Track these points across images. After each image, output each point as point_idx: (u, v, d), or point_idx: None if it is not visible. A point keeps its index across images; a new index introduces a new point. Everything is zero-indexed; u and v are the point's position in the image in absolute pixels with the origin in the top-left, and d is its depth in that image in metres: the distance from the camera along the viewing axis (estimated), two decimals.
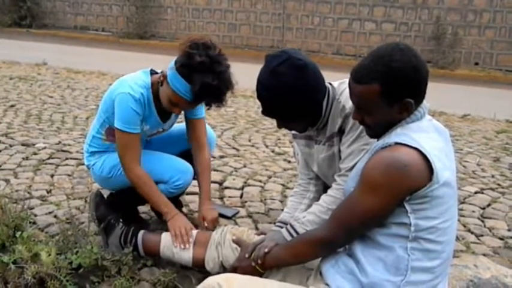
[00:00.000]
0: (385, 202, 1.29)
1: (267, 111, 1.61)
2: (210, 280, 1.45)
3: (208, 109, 1.98)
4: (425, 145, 1.28)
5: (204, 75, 1.82)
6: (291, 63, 1.55)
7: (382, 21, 10.56)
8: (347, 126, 1.67)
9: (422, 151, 1.27)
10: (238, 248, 1.70)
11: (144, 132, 2.10)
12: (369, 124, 1.43)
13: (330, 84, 1.74)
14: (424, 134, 1.34)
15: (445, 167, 1.30)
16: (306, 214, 1.68)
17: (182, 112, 2.16)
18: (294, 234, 1.65)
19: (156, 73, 2.06)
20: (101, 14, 13.19)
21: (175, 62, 1.88)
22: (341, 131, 1.70)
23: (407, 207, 1.29)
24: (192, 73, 1.83)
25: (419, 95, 1.37)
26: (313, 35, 11.14)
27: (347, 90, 1.50)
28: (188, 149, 2.20)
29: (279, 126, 1.68)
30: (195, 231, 1.92)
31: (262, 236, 1.71)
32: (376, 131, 1.44)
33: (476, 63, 10.04)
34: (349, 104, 1.63)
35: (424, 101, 1.41)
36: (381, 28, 10.56)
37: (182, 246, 1.86)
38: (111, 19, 13.07)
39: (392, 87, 1.33)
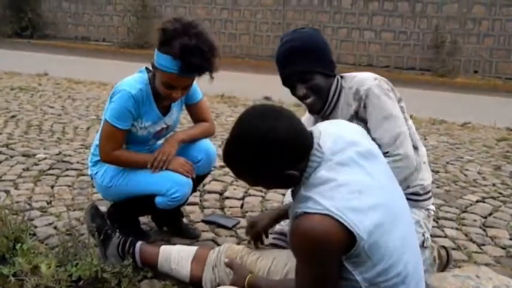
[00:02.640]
0: (324, 270, 1.24)
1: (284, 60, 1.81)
2: None
3: (200, 75, 1.96)
4: (331, 204, 1.20)
5: (180, 39, 1.86)
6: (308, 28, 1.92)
7: (381, 30, 10.60)
8: (366, 113, 1.74)
9: (331, 215, 1.19)
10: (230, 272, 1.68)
11: (148, 131, 2.11)
12: (276, 188, 1.45)
13: (341, 76, 1.86)
14: (328, 187, 1.24)
15: (365, 212, 1.22)
16: None
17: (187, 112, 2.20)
18: None
19: (151, 71, 2.08)
20: (102, 25, 13.26)
21: (156, 46, 1.93)
22: (358, 117, 1.77)
23: (348, 265, 1.25)
24: (170, 43, 1.87)
25: (296, 161, 1.28)
26: None
27: (359, 76, 1.80)
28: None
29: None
30: (194, 248, 1.91)
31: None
32: (282, 188, 1.45)
33: (476, 71, 10.06)
34: (363, 87, 1.75)
35: (318, 142, 1.31)
36: (380, 37, 10.60)
37: (155, 170, 2.01)
38: (112, 29, 13.14)
39: (259, 167, 1.29)
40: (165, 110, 2.14)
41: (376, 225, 1.23)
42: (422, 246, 1.86)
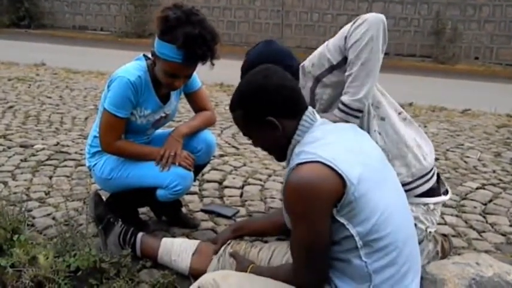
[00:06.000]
0: (317, 223, 1.27)
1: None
2: (206, 277, 1.47)
3: (203, 63, 1.94)
4: (323, 153, 1.28)
5: (183, 28, 1.83)
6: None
7: None
8: (325, 77, 1.80)
9: (322, 161, 1.26)
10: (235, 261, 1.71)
11: (147, 120, 2.08)
12: (264, 148, 1.54)
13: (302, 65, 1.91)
14: (320, 142, 1.36)
15: (353, 164, 1.29)
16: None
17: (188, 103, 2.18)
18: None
19: (150, 58, 2.05)
20: (100, 13, 13.18)
21: (157, 34, 1.89)
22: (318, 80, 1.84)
23: (342, 219, 1.28)
24: (173, 32, 1.83)
25: (281, 111, 1.42)
26: (312, 32, 11.11)
27: (312, 54, 1.84)
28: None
29: None
30: (197, 241, 1.91)
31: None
32: (276, 154, 1.54)
33: (477, 58, 10.02)
34: (307, 63, 1.84)
35: (310, 108, 1.47)
36: None
37: (163, 168, 1.98)
38: (110, 18, 13.05)
39: (248, 110, 1.45)
40: (164, 98, 2.11)
41: (364, 177, 1.28)
42: (426, 239, 1.84)
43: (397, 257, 1.32)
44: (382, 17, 1.69)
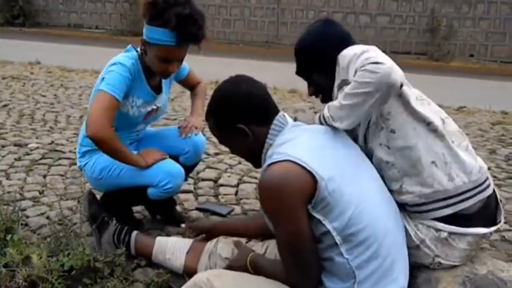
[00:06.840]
0: (294, 220, 1.30)
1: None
2: (200, 276, 1.47)
3: (195, 44, 1.92)
4: (293, 152, 1.32)
5: (174, 10, 1.83)
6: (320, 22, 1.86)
7: (377, 14, 10.53)
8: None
9: (292, 159, 1.30)
10: (226, 259, 1.70)
11: (139, 111, 2.06)
12: (240, 155, 1.59)
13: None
14: (291, 142, 1.39)
15: (324, 161, 1.33)
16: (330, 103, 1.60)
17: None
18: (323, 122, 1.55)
19: (137, 51, 2.04)
20: (95, 12, 13.12)
21: (146, 21, 1.90)
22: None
23: (318, 215, 1.31)
24: (163, 15, 1.84)
25: (251, 119, 1.46)
26: None
27: (348, 52, 1.67)
28: (178, 155, 2.18)
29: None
30: (191, 240, 1.90)
31: None
32: (251, 160, 1.57)
33: (471, 55, 10.04)
34: (341, 60, 1.69)
35: (281, 112, 1.50)
36: (375, 21, 10.54)
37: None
38: (105, 16, 13.00)
39: (219, 118, 1.50)
40: (156, 89, 2.11)
41: (335, 173, 1.32)
42: (434, 269, 1.62)
43: (379, 249, 1.33)
44: (394, 79, 1.44)
